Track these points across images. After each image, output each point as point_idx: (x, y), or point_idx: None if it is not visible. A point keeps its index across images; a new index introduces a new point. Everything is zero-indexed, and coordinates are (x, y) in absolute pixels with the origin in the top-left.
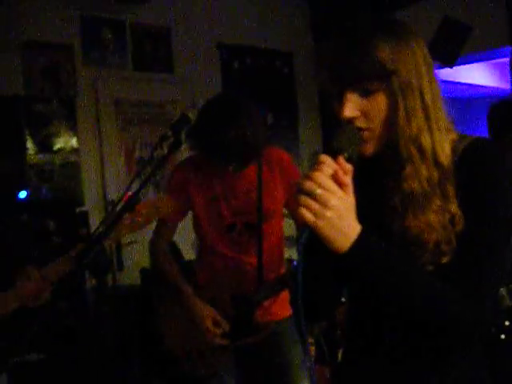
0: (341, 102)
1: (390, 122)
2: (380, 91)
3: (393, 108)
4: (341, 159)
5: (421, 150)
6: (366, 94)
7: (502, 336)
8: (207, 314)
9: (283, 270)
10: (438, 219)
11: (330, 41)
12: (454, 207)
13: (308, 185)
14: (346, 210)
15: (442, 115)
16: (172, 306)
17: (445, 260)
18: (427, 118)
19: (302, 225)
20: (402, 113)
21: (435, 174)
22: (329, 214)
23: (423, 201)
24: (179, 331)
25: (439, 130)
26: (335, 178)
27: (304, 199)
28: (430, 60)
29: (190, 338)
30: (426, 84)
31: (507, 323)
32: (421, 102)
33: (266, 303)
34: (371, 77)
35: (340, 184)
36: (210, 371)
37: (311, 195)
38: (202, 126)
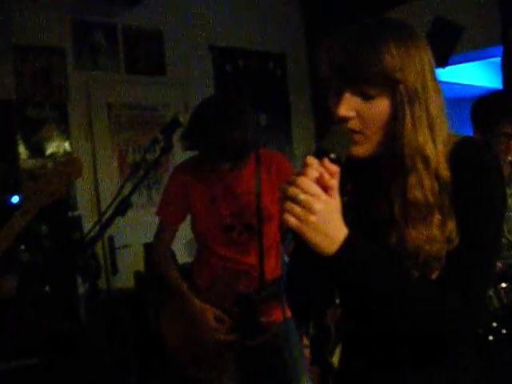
0: (338, 99)
1: (391, 129)
2: (382, 97)
3: (395, 116)
4: (326, 161)
5: (425, 160)
6: (366, 97)
7: (490, 337)
8: (209, 311)
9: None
10: (439, 233)
11: (339, 33)
12: (451, 224)
13: (291, 190)
14: (331, 214)
15: (444, 126)
16: (172, 311)
17: (434, 275)
18: (431, 128)
19: (286, 228)
20: (408, 122)
21: (436, 186)
22: (313, 218)
23: (426, 213)
24: (181, 336)
25: (441, 141)
26: (320, 180)
27: (288, 204)
28: (434, 64)
29: (193, 342)
30: (432, 94)
31: (495, 324)
32: (426, 112)
33: (267, 305)
34: (375, 82)
35: (325, 187)
36: (212, 374)
37: (295, 200)
38: (196, 127)
